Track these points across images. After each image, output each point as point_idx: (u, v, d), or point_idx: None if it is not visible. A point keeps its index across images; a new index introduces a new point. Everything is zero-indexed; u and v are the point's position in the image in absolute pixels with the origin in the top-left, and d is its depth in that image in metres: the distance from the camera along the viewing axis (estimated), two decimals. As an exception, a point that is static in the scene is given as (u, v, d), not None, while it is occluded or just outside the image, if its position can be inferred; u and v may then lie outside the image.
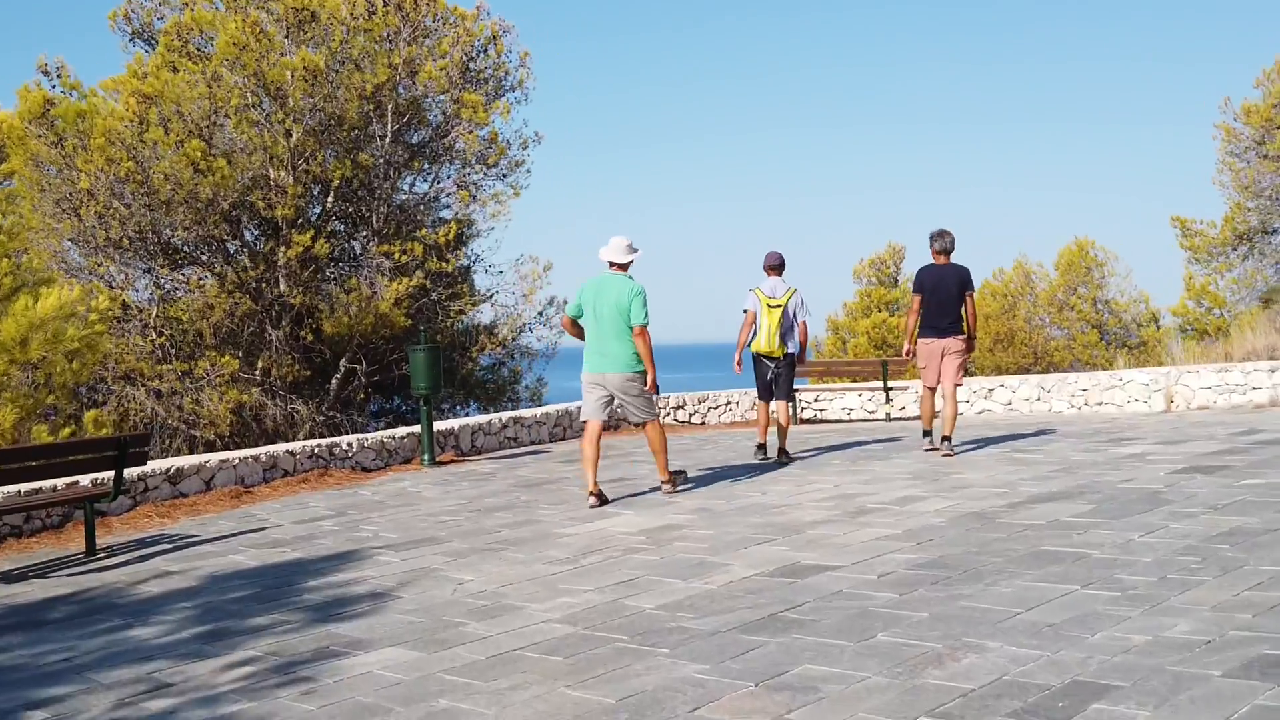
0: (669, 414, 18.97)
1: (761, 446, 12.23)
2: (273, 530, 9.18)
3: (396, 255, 16.82)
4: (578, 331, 9.81)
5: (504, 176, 18.56)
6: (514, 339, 20.05)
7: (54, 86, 15.68)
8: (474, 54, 17.83)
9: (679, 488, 10.12)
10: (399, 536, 8.64)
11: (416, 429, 13.67)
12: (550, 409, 16.31)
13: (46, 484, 8.84)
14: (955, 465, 10.83)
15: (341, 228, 18.38)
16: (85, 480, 9.10)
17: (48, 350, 10.26)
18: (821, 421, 18.93)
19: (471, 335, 19.43)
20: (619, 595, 6.36)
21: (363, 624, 6.09)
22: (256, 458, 11.29)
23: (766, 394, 12.11)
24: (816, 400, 19.93)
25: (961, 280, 11.47)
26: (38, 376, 10.56)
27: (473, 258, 19.61)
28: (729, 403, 19.78)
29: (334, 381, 18.23)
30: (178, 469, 10.36)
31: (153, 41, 17.81)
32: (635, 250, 9.71)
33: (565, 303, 20.51)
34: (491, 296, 19.39)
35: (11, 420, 9.89)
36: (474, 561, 7.55)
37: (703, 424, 19.30)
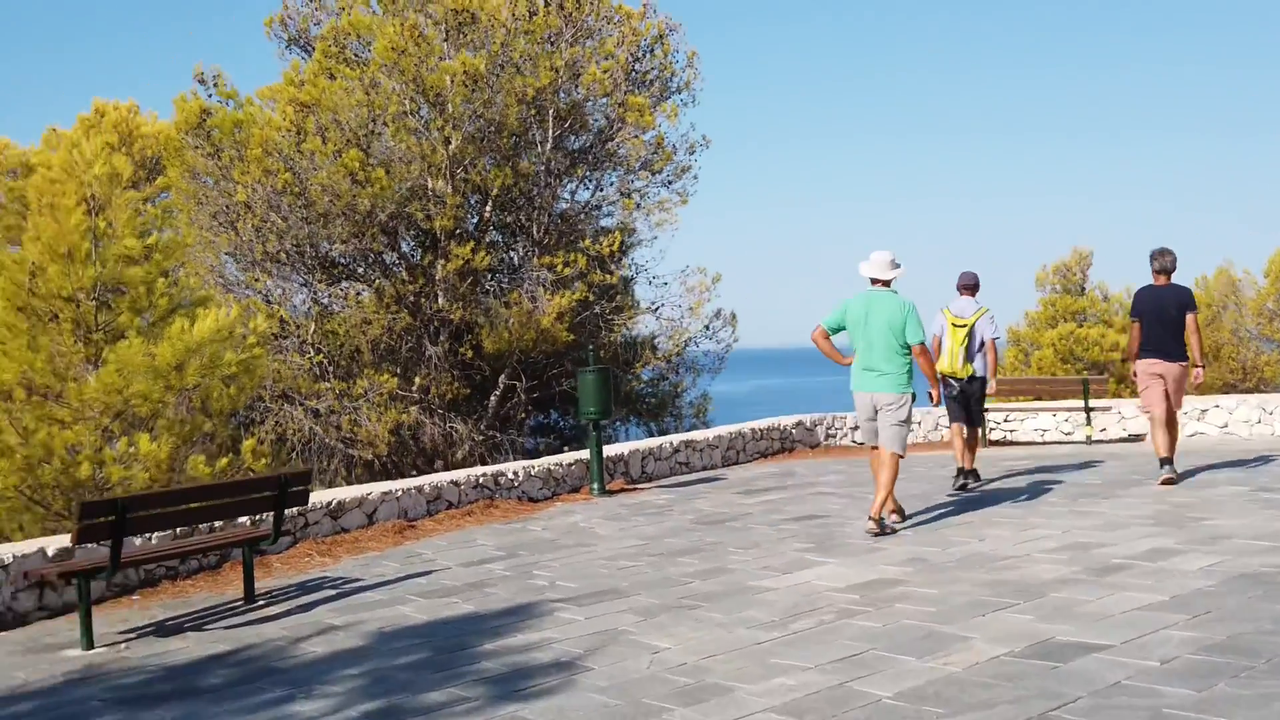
0: (846, 434, 18.03)
1: (961, 472, 11.71)
2: (440, 575, 8.60)
3: (559, 267, 16.27)
4: (827, 346, 9.56)
5: (669, 183, 17.90)
6: (678, 354, 19.35)
7: (210, 95, 15.58)
8: (639, 54, 17.21)
9: (886, 532, 9.31)
10: (578, 586, 7.96)
11: (584, 455, 13.06)
12: (723, 431, 15.56)
13: (203, 524, 8.42)
14: (1199, 507, 9.70)
15: (500, 238, 17.94)
16: (243, 520, 8.65)
17: (204, 375, 9.92)
18: (1012, 444, 17.76)
19: (634, 349, 18.81)
20: (845, 677, 5.54)
21: (552, 705, 5.40)
22: (420, 489, 10.78)
23: (958, 415, 11.72)
24: (1006, 420, 18.73)
25: (1181, 302, 11.04)
26: (194, 402, 10.24)
27: (635, 269, 19.00)
28: (911, 421, 18.72)
29: (493, 399, 17.80)
30: (339, 502, 9.89)
31: (308, 48, 17.65)
32: (898, 266, 9.47)
33: (734, 316, 19.79)
34: (656, 309, 18.73)
35: (167, 450, 9.56)
36: (666, 623, 6.81)
37: (863, 445, 18.29)
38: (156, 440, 9.55)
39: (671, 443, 14.44)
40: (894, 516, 9.71)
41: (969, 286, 11.69)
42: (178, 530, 8.14)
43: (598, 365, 12.53)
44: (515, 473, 12.01)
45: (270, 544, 7.78)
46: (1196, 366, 11.35)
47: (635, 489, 12.98)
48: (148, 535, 8.00)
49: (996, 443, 18.35)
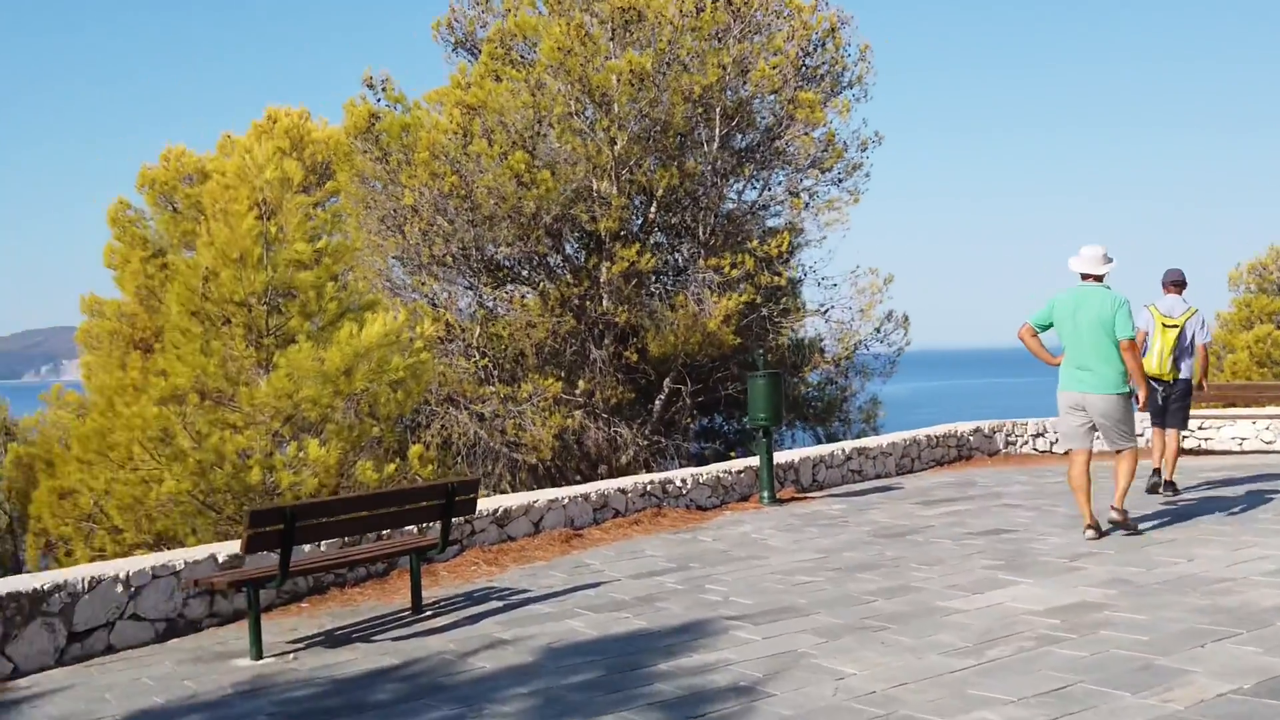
0: (1026, 443, 17.29)
1: (1157, 472, 11.57)
2: (609, 587, 8.36)
3: (725, 269, 15.95)
4: (1035, 344, 9.40)
5: (839, 181, 17.42)
6: (848, 357, 18.85)
7: (379, 100, 15.72)
8: (809, 49, 16.78)
9: (1128, 532, 9.20)
10: (753, 603, 7.63)
11: (753, 462, 12.72)
12: (896, 438, 15.03)
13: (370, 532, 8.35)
14: None
15: (664, 240, 17.71)
16: (410, 527, 8.56)
17: (372, 380, 9.91)
18: (1207, 453, 16.75)
19: (801, 352, 18.37)
20: (1055, 713, 5.09)
21: (733, 735, 5.08)
22: (586, 497, 10.59)
23: (1159, 419, 11.37)
24: (1201, 428, 17.71)
25: None
26: (362, 407, 10.25)
27: (803, 270, 18.57)
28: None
29: (657, 403, 17.59)
30: (505, 510, 9.76)
31: (475, 51, 17.71)
32: (1110, 260, 9.18)
33: (905, 318, 19.19)
34: (825, 311, 18.25)
35: (336, 456, 9.56)
36: (850, 645, 6.42)
37: (1066, 453, 17.47)
38: (325, 446, 9.56)
39: (843, 450, 13.99)
40: (1114, 514, 9.31)
41: (1176, 283, 11.18)
42: (345, 538, 8.07)
43: (767, 370, 12.17)
44: (683, 480, 11.73)
45: (438, 553, 7.65)
46: None
47: (806, 498, 12.59)
48: (316, 543, 7.95)
49: (1190, 451, 17.35)
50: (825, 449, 13.92)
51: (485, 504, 9.75)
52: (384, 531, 8.43)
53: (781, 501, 12.22)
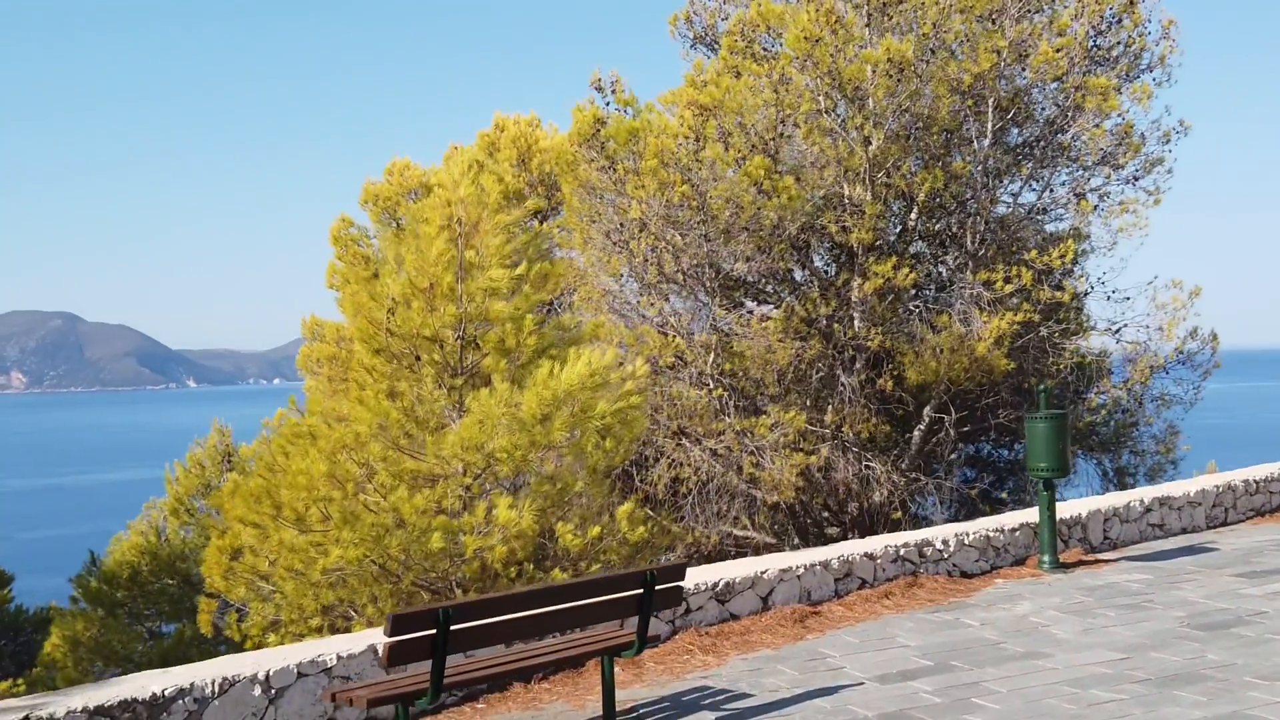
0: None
1: None
2: (849, 694, 6.87)
3: (998, 283, 14.09)
4: None
5: (1136, 179, 15.21)
6: (1143, 382, 16.57)
7: (608, 103, 14.59)
8: (1102, 27, 14.68)
9: None
10: (1035, 736, 6.00)
11: (1030, 517, 10.93)
12: (1206, 484, 12.85)
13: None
14: None
15: (926, 251, 15.95)
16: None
17: (574, 428, 8.71)
18: None
19: (1085, 375, 16.19)
20: None
21: None
22: (825, 564, 9.09)
23: None
24: None
25: None
26: (564, 458, 9.07)
27: (1090, 282, 16.42)
28: None
29: (916, 434, 15.84)
30: (727, 584, 8.38)
31: (715, 46, 16.41)
32: None
33: (1214, 336, 16.77)
34: (1117, 330, 16.06)
35: (531, 517, 8.40)
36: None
37: None
38: (518, 505, 8.41)
39: (1141, 500, 11.97)
40: None
41: None
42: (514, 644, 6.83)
43: (1050, 410, 10.36)
44: (945, 541, 10.07)
45: (632, 654, 6.33)
46: None
47: (1097, 562, 10.71)
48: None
49: None
50: (1119, 499, 11.93)
51: (704, 575, 8.40)
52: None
53: (1066, 567, 10.40)
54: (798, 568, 8.88)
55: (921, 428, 15.82)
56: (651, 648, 7.67)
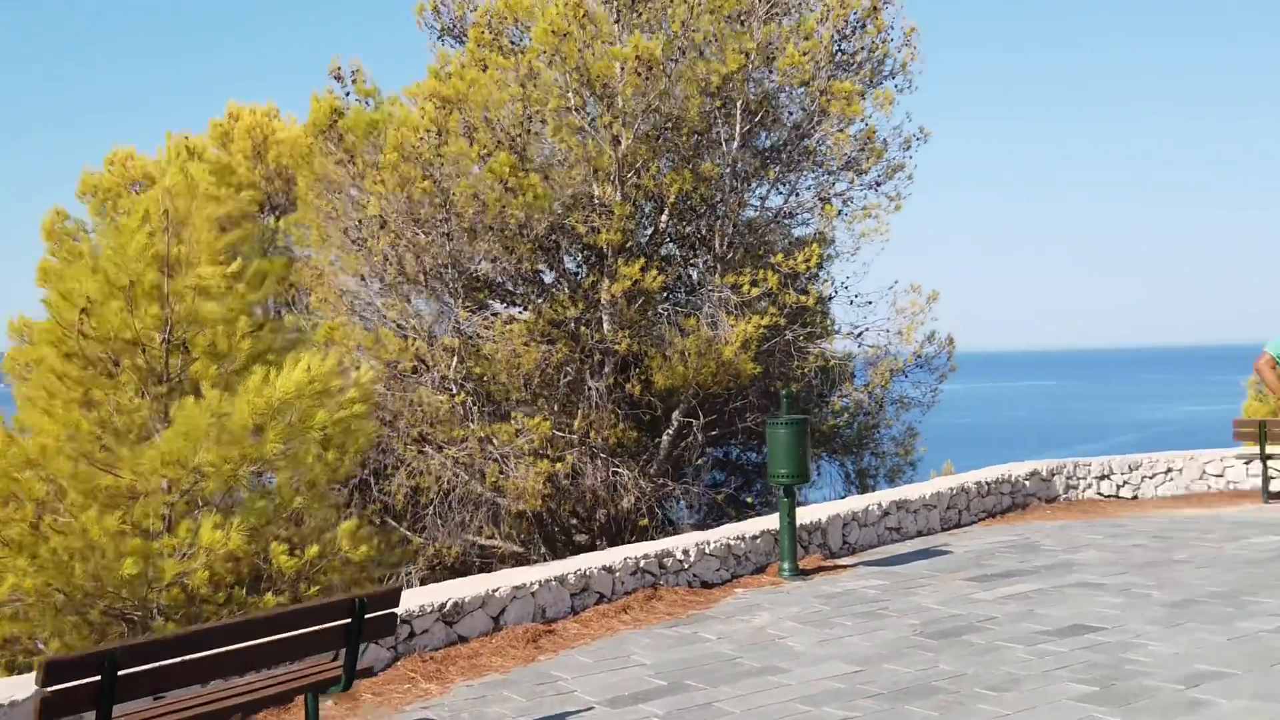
0: (1090, 484, 15.37)
1: None
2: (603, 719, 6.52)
3: (744, 287, 14.08)
4: (1273, 376, 9.29)
5: (878, 185, 15.48)
6: (884, 385, 16.91)
7: (348, 94, 13.91)
8: (846, 32, 14.86)
9: None
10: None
11: (771, 524, 10.87)
12: (941, 487, 13.13)
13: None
14: None
15: (676, 253, 15.85)
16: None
17: (292, 438, 8.10)
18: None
19: (829, 378, 16.41)
20: None
21: None
22: (562, 579, 8.75)
23: None
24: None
25: None
26: (281, 474, 8.45)
27: (835, 286, 16.66)
28: (1169, 470, 15.93)
29: (665, 439, 15.74)
30: (455, 604, 7.92)
31: (464, 38, 15.90)
32: None
33: (951, 340, 17.27)
34: (859, 334, 16.32)
35: (240, 538, 7.74)
36: None
37: (1134, 498, 15.57)
38: (226, 526, 7.76)
39: (879, 504, 12.10)
40: None
41: None
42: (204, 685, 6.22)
43: (792, 415, 10.30)
44: (685, 551, 9.88)
45: (340, 689, 5.81)
46: None
47: (836, 567, 10.73)
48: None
49: (1277, 495, 15.42)
50: (858, 503, 12.03)
51: (430, 596, 7.92)
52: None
53: (806, 573, 10.37)
54: (532, 584, 8.50)
55: (670, 432, 15.73)
56: (369, 677, 7.15)
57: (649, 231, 16.24)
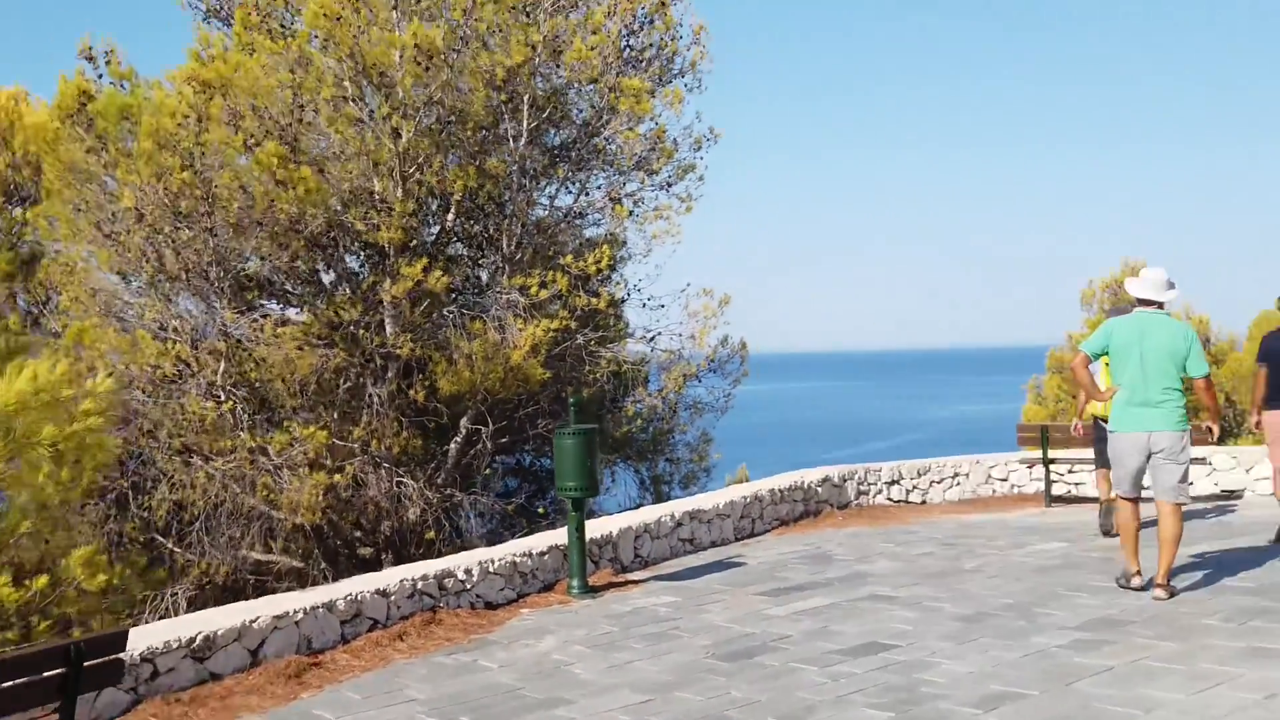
0: (881, 490, 15.42)
1: (1107, 511, 11.50)
2: (337, 774, 5.89)
3: (533, 289, 13.57)
4: (1088, 376, 9.07)
5: (669, 185, 15.17)
6: (678, 391, 16.63)
7: (100, 75, 12.83)
8: (635, 27, 14.48)
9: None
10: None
11: (560, 538, 10.38)
12: (735, 495, 12.90)
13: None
14: None
15: (464, 253, 15.24)
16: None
17: (15, 455, 7.22)
18: (1080, 500, 15.07)
19: (623, 384, 16.04)
20: None
21: None
22: (330, 605, 8.08)
23: (1105, 461, 11.14)
24: (1071, 471, 16.08)
25: None
26: (11, 494, 7.55)
27: (627, 289, 16.30)
28: (956, 475, 16.12)
29: (452, 447, 15.11)
30: (206, 638, 7.18)
31: (231, 19, 14.91)
32: (1173, 287, 8.82)
33: (743, 345, 17.11)
34: (652, 338, 16.00)
35: (-54, 572, 6.85)
36: None
37: (923, 503, 15.70)
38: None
39: (672, 515, 11.76)
40: (1160, 593, 8.62)
41: None
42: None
43: (580, 424, 9.83)
44: (468, 570, 9.31)
45: (56, 752, 5.06)
46: None
47: (628, 583, 10.33)
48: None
49: (1060, 498, 15.77)
50: (650, 514, 11.66)
51: (177, 630, 7.16)
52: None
53: (596, 590, 9.92)
54: (296, 612, 7.80)
55: (459, 440, 15.11)
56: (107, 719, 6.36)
57: (435, 230, 15.59)
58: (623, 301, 17.37)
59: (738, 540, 12.60)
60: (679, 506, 12.13)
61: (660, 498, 18.81)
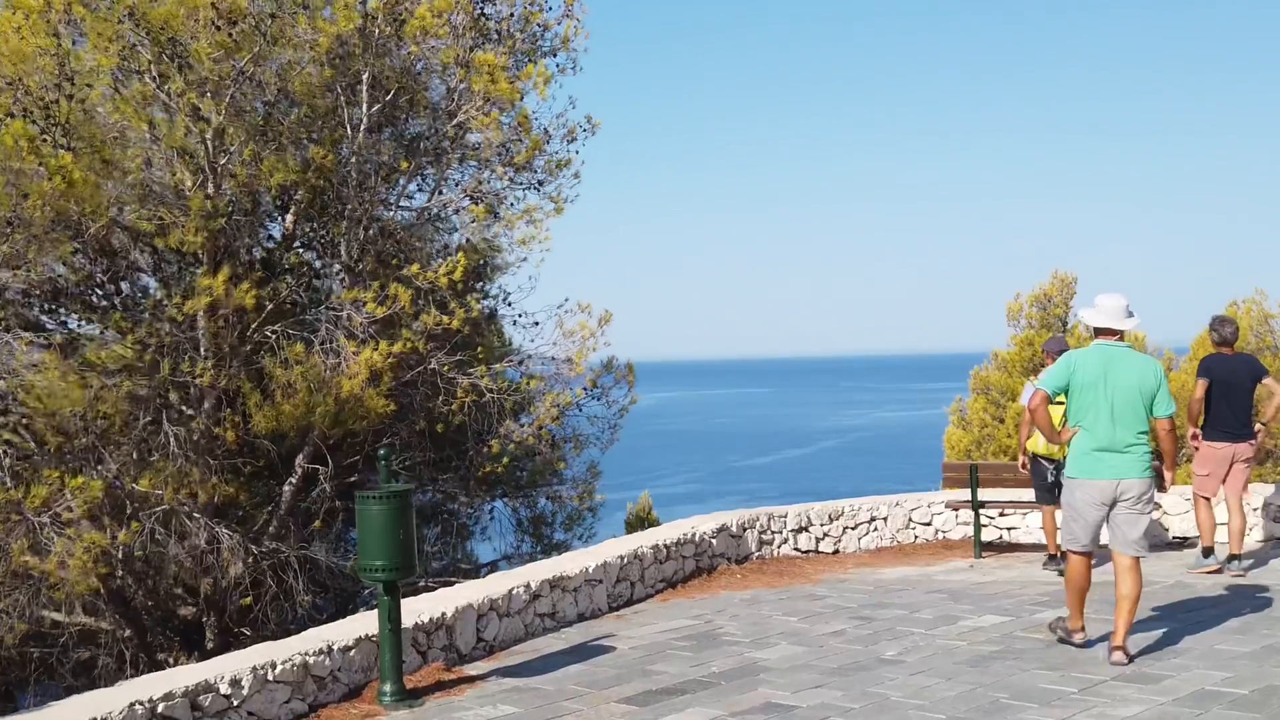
0: (786, 539, 13.52)
1: (1052, 558, 11.61)
2: None
3: (369, 305, 11.45)
4: (1047, 417, 8.11)
5: (540, 184, 13.12)
6: (555, 421, 14.58)
7: None
8: (493, -7, 12.41)
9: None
10: None
11: (370, 624, 8.22)
12: (609, 555, 10.86)
13: None
14: None
15: (292, 262, 13.08)
16: None
17: None
18: (1014, 547, 13.27)
19: (487, 415, 13.90)
20: None
21: None
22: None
23: (1050, 499, 11.21)
24: (1002, 514, 14.31)
25: (1255, 373, 10.88)
26: None
27: (492, 303, 14.25)
28: (873, 519, 14.27)
29: (285, 491, 12.97)
30: None
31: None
32: (1132, 315, 8.09)
33: (630, 369, 15.09)
34: (521, 361, 13.91)
35: None
36: None
37: (835, 552, 13.81)
38: None
39: (528, 585, 9.68)
40: (1120, 655, 7.76)
41: (1062, 353, 9.52)
42: None
43: (391, 487, 7.71)
44: (235, 682, 7.13)
45: None
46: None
47: (461, 680, 8.24)
48: None
49: (991, 545, 13.99)
50: (499, 586, 9.52)
51: None
52: None
53: (415, 696, 7.82)
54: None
55: (294, 482, 12.98)
56: None
57: (266, 236, 13.47)
58: (489, 318, 15.34)
59: (612, 611, 10.58)
60: (536, 573, 10.03)
61: (540, 541, 16.80)
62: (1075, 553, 8.12)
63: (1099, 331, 8.07)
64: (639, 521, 21.05)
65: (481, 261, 14.72)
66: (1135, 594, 7.87)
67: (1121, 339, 8.06)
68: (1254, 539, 12.94)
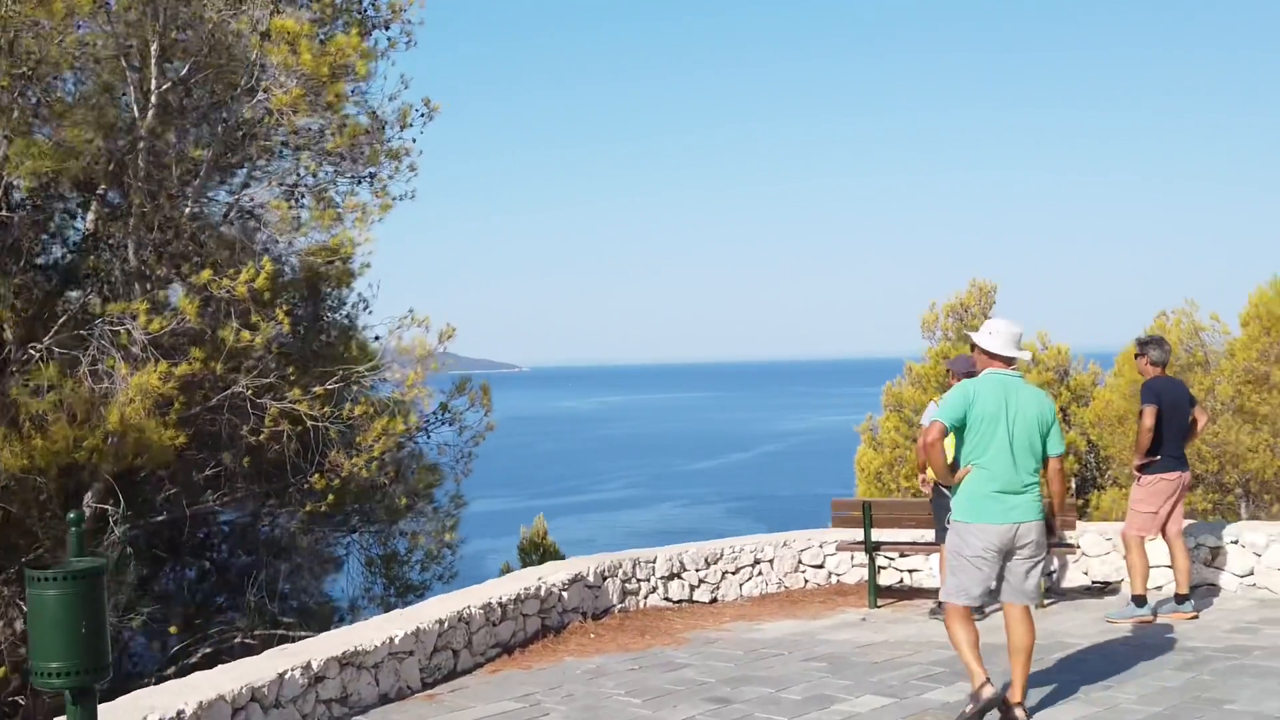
0: (655, 588, 11.98)
1: (934, 612, 10.72)
2: None
3: (141, 319, 9.73)
4: (941, 457, 7.11)
5: (369, 177, 11.45)
6: (397, 446, 12.91)
7: None
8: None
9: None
10: None
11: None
12: (425, 618, 9.22)
13: None
14: None
15: (55, 264, 11.32)
16: None
17: None
18: (916, 592, 11.81)
19: (309, 445, 12.16)
20: None
21: None
22: None
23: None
24: (903, 555, 12.84)
25: (1190, 398, 10.48)
26: None
27: (353, 310, 12.59)
28: (757, 561, 12.76)
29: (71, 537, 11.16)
30: None
31: None
32: (1022, 349, 7.36)
33: (486, 390, 13.46)
34: (351, 382, 12.20)
35: None
36: None
37: (713, 601, 12.29)
38: None
39: (309, 665, 7.97)
40: (1020, 713, 7.02)
41: (970, 374, 8.59)
42: None
43: (79, 566, 6.01)
44: None
45: None
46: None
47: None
48: None
49: (891, 590, 12.53)
50: (265, 670, 7.79)
51: None
52: None
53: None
54: None
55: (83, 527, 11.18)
56: None
57: (59, 237, 11.73)
58: (344, 332, 13.68)
59: (426, 689, 8.91)
60: (322, 649, 8.32)
61: (392, 583, 15.15)
62: (962, 607, 7.25)
63: (991, 357, 7.33)
64: (533, 547, 19.60)
65: (324, 264, 13.03)
66: (1031, 645, 7.26)
67: (1011, 366, 7.36)
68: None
